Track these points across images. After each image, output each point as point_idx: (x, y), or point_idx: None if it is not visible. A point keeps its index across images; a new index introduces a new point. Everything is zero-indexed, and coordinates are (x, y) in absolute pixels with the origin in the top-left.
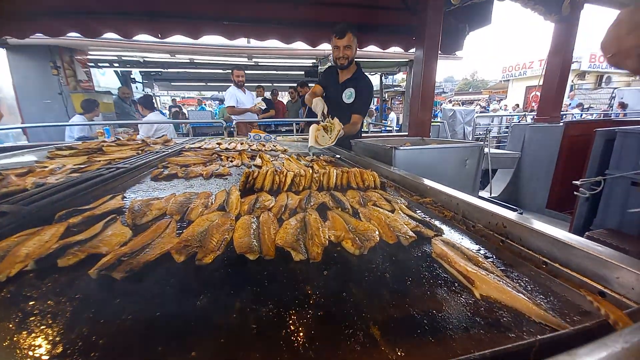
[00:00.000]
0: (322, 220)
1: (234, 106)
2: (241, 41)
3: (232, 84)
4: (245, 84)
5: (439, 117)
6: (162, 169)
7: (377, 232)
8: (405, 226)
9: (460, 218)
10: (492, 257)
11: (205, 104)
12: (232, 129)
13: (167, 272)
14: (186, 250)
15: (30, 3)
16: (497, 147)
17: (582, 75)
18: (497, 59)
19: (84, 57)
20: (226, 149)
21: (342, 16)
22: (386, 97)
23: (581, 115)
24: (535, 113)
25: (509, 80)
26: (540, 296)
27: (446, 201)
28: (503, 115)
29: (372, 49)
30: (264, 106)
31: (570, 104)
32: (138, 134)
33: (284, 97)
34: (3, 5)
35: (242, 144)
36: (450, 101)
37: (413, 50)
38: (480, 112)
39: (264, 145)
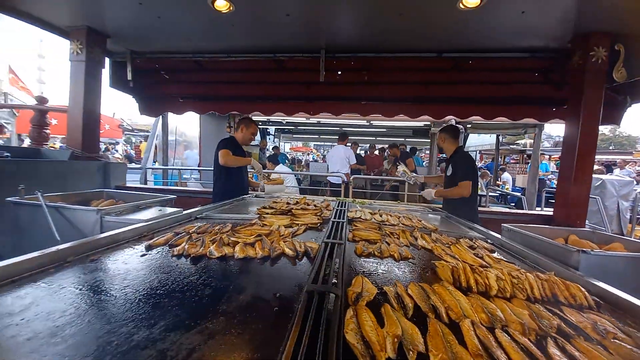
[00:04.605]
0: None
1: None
2: None
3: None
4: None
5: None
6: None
7: None
8: None
9: None
10: None
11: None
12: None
13: None
14: None
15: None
16: None
17: None
18: None
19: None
20: (382, 222)
21: (472, 92)
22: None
23: None
24: None
25: None
26: None
27: None
28: None
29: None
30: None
31: None
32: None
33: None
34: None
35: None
36: (550, 158)
37: (552, 120)
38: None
39: (401, 218)
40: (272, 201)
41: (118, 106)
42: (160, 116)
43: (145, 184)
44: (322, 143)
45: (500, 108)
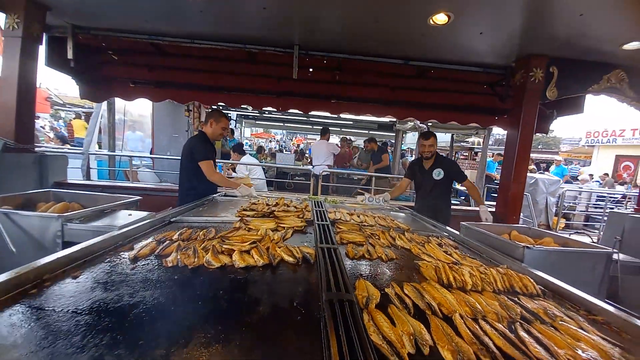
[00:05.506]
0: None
1: None
2: None
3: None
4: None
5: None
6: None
7: None
8: None
9: None
10: None
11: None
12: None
13: None
14: None
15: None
16: (585, 224)
17: None
18: (575, 117)
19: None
20: (361, 222)
21: (431, 98)
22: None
23: None
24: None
25: (594, 145)
26: None
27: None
28: (607, 192)
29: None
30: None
31: None
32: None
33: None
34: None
35: (352, 214)
36: (492, 154)
37: (493, 126)
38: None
39: (374, 218)
40: (251, 203)
41: (44, 75)
42: None
43: (88, 172)
44: (290, 132)
45: (453, 113)
